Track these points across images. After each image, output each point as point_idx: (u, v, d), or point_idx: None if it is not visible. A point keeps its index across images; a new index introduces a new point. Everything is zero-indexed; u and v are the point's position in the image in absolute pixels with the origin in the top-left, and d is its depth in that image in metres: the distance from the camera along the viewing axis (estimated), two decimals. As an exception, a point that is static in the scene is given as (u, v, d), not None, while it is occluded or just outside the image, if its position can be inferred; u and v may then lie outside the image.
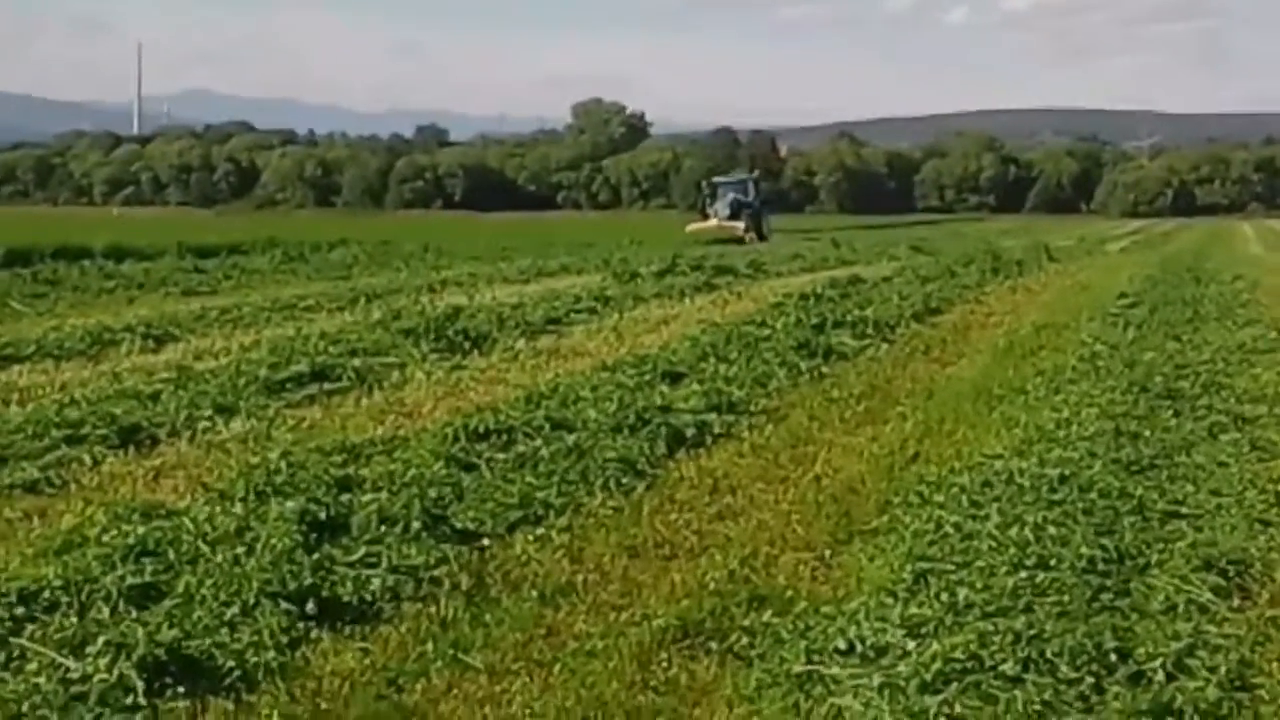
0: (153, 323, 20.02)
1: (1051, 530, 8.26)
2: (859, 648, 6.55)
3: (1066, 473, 9.74)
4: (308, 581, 7.31)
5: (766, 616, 7.19)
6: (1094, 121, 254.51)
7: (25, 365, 15.99)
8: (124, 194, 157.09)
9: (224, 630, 6.77)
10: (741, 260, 38.03)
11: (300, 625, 6.95)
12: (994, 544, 8.03)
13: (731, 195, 72.91)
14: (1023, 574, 7.42)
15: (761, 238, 66.57)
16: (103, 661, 6.20)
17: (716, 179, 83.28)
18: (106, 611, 6.96)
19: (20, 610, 6.91)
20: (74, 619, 6.84)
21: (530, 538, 8.69)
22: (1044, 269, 37.32)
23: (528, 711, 6.18)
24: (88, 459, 10.86)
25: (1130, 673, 6.24)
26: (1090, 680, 6.14)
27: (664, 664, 6.67)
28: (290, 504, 8.61)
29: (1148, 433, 11.47)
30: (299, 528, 8.17)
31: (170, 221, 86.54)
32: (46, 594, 7.09)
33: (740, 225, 67.98)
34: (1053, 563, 7.65)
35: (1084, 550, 7.83)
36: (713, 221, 69.68)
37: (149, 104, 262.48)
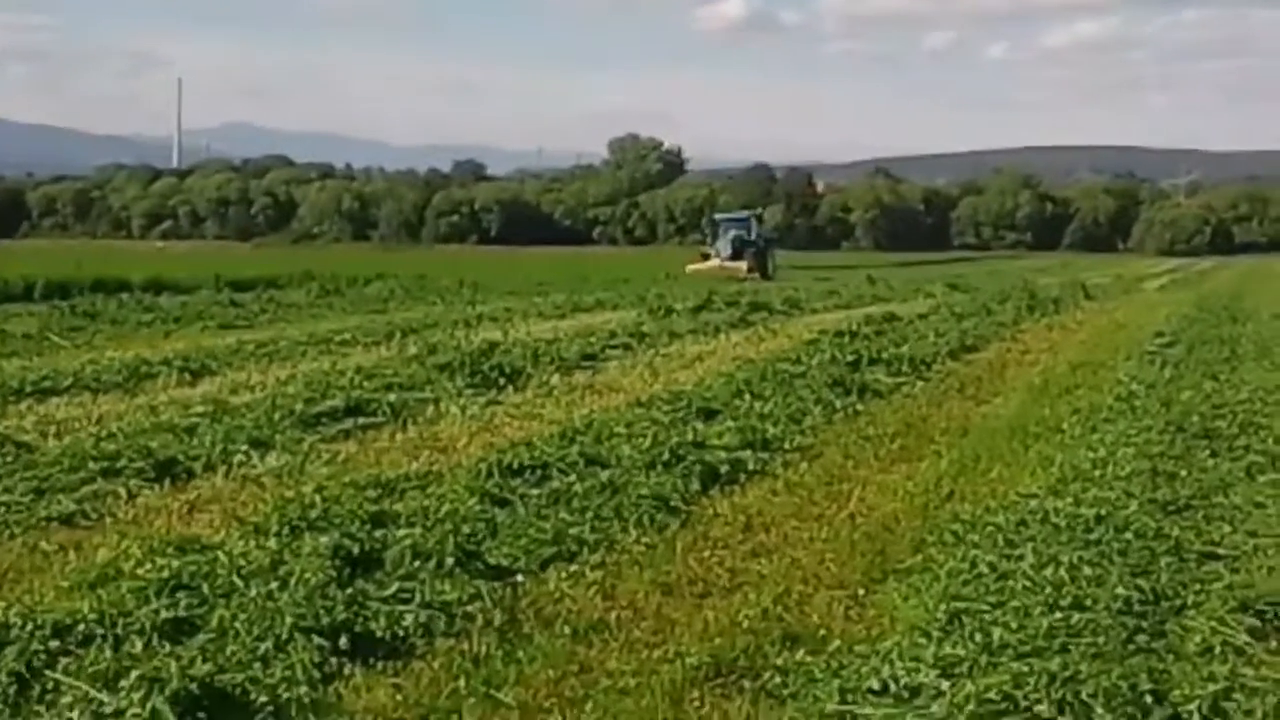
0: (189, 356, 20.09)
1: (1087, 571, 8.21)
2: (893, 688, 6.53)
3: (1102, 513, 9.69)
4: (341, 616, 7.32)
5: (800, 655, 7.17)
6: (1132, 159, 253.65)
7: (63, 398, 16.07)
8: (162, 227, 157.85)
9: (257, 665, 6.77)
10: (777, 297, 38.00)
11: (333, 660, 6.95)
12: (1029, 584, 7.99)
13: (733, 233, 70.25)
14: (1058, 615, 7.37)
15: (766, 276, 63.39)
16: (136, 695, 6.20)
17: (718, 215, 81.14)
18: (140, 645, 6.97)
19: (55, 643, 6.92)
20: (108, 652, 6.86)
21: (563, 574, 8.68)
22: (1080, 307, 37.17)
23: (560, 749, 6.17)
24: (123, 492, 10.90)
25: (1166, 715, 6.19)
26: (1126, 722, 6.10)
27: (697, 702, 6.66)
28: (324, 539, 8.63)
29: (1184, 473, 11.41)
30: (333, 562, 8.17)
31: (208, 255, 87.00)
32: (81, 627, 7.10)
33: (743, 266, 64.50)
34: (1088, 603, 7.60)
35: (1120, 591, 7.78)
36: (714, 261, 66.73)
37: (189, 137, 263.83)
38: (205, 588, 7.82)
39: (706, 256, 68.98)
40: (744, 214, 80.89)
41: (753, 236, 70.97)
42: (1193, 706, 6.25)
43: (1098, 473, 11.43)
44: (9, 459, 11.91)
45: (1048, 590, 7.81)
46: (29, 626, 7.02)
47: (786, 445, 13.40)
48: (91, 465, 11.53)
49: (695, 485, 11.23)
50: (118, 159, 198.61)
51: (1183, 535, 9.26)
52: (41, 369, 18.37)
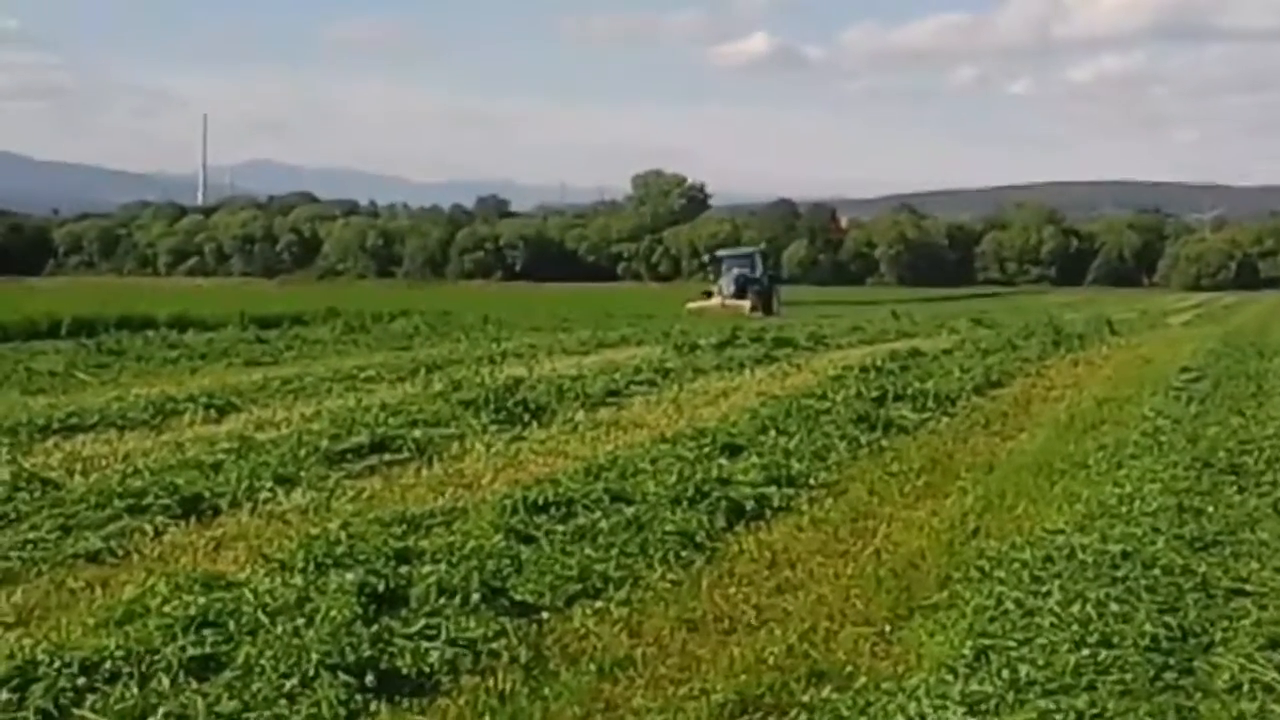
0: (215, 393, 20.13)
1: (1114, 607, 8.18)
2: (919, 725, 6.51)
3: (1129, 549, 9.66)
4: (367, 653, 7.33)
5: (826, 692, 7.16)
6: (1156, 194, 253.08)
7: (89, 435, 16.11)
8: (188, 264, 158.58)
9: (283, 702, 6.79)
10: (802, 333, 37.99)
11: (359, 697, 6.95)
12: (1056, 621, 7.97)
13: (736, 271, 68.88)
14: (1085, 651, 7.35)
15: (770, 314, 61.09)
16: (163, 732, 6.22)
17: (720, 252, 79.99)
18: (167, 682, 6.99)
19: (82, 680, 6.95)
20: (135, 690, 6.88)
21: (589, 611, 8.68)
22: (1105, 342, 37.06)
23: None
24: (150, 529, 10.92)
25: (1195, 753, 6.17)
26: (1154, 760, 6.08)
27: (723, 740, 6.65)
28: (350, 575, 8.64)
29: (1211, 509, 11.36)
30: (358, 599, 8.18)
31: (233, 292, 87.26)
32: (108, 664, 7.13)
33: (745, 304, 62.82)
34: (1115, 640, 7.57)
35: (1147, 628, 7.76)
36: (715, 300, 64.97)
37: (212, 174, 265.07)
38: (231, 625, 7.83)
39: (709, 294, 67.48)
40: (748, 250, 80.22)
41: (757, 274, 69.61)
42: (1221, 744, 6.23)
43: (1124, 509, 11.39)
44: (36, 496, 11.94)
45: (1075, 627, 7.79)
46: (56, 663, 7.05)
47: (812, 481, 13.39)
48: (118, 502, 11.56)
49: (720, 521, 11.23)
50: (140, 196, 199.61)
51: (1210, 571, 9.22)
52: (68, 406, 18.42)
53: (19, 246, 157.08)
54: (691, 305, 64.18)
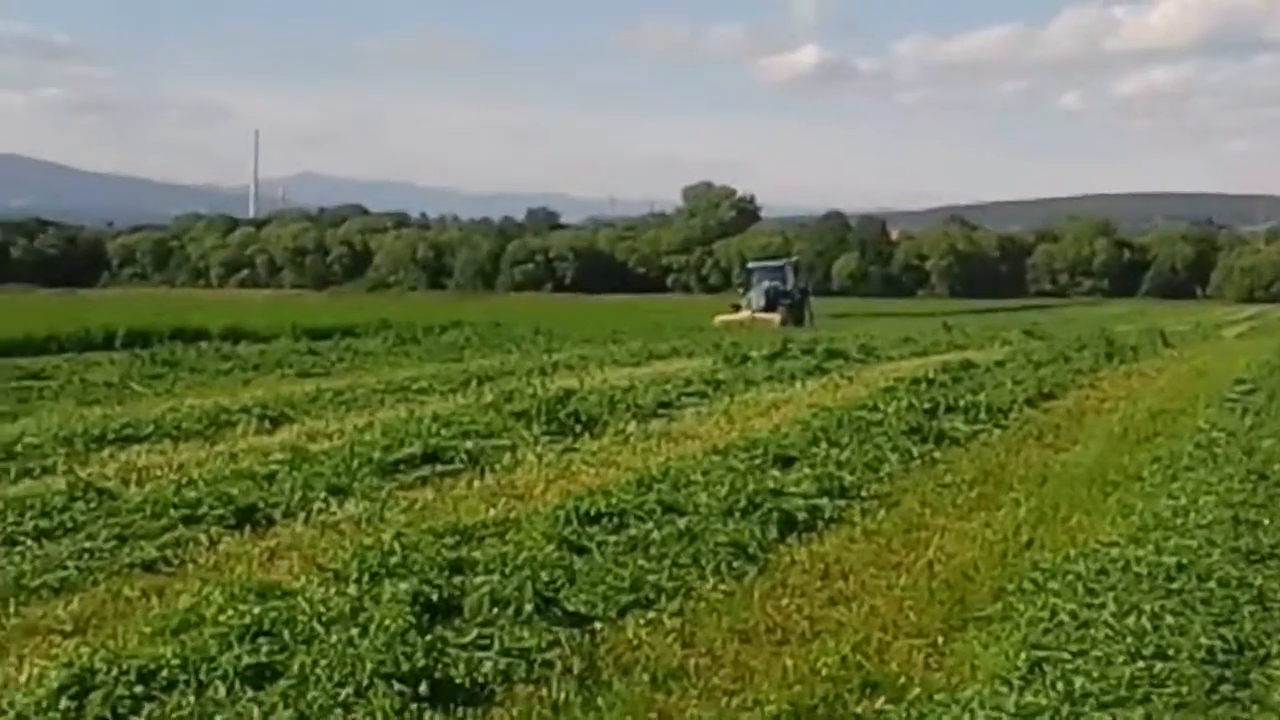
0: (268, 404, 20.25)
1: (1169, 619, 8.13)
2: (973, 737, 6.49)
3: (1184, 561, 9.60)
4: (421, 663, 7.34)
5: (879, 704, 7.15)
6: (1209, 205, 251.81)
7: (144, 445, 16.22)
8: (239, 276, 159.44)
9: (338, 711, 6.82)
10: (853, 344, 37.91)
11: (413, 707, 6.97)
12: (1110, 633, 7.93)
13: (767, 283, 67.78)
14: (1140, 664, 7.32)
15: (800, 326, 59.25)
16: (219, 741, 6.25)
17: (752, 264, 79.05)
18: (223, 691, 7.03)
19: (139, 689, 6.99)
20: (191, 698, 6.93)
21: (642, 621, 8.69)
22: (1159, 354, 36.87)
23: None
24: (204, 539, 11.00)
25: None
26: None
27: (776, 750, 6.64)
28: (403, 585, 8.66)
29: (1267, 521, 11.28)
30: (412, 609, 8.20)
31: (285, 303, 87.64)
32: (164, 673, 7.17)
33: (775, 318, 61.24)
34: (1171, 653, 7.53)
35: (1203, 640, 7.72)
36: (744, 313, 63.60)
37: (264, 187, 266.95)
38: (286, 634, 7.86)
39: (738, 307, 66.07)
40: (779, 261, 79.28)
41: (788, 286, 68.71)
42: (1279, 757, 6.19)
43: (1179, 521, 11.32)
44: (92, 506, 12.03)
45: (1129, 639, 7.75)
46: (113, 672, 7.09)
47: (864, 493, 13.36)
48: (173, 512, 11.65)
49: (773, 533, 11.21)
50: (193, 208, 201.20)
51: (1266, 584, 9.16)
52: (123, 417, 18.57)
53: (74, 258, 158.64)
54: (719, 319, 62.44)
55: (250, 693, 7.02)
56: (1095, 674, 7.18)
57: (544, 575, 9.32)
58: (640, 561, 10.01)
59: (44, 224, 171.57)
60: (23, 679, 7.25)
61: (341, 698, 6.94)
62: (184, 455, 15.46)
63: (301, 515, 11.99)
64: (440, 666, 7.43)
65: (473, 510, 12.25)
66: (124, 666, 7.17)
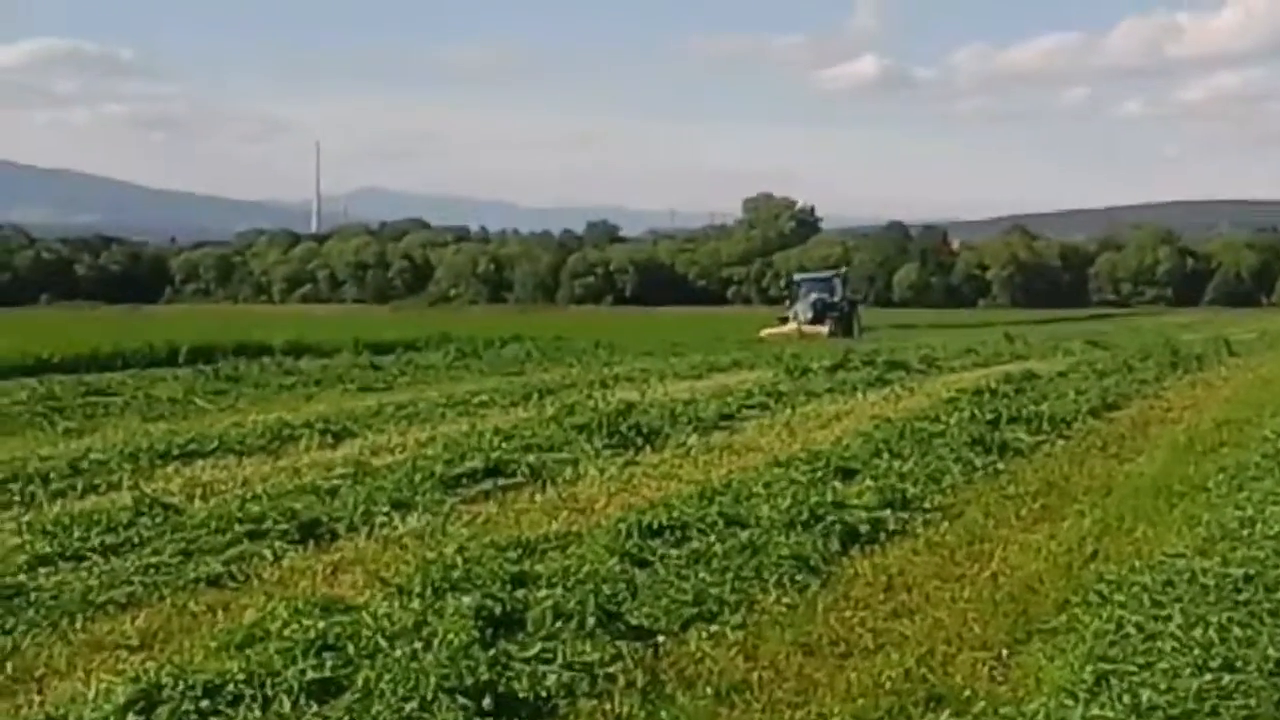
0: (331, 418, 20.35)
1: (1237, 631, 8.06)
2: (1040, 750, 6.45)
3: (1251, 572, 9.52)
4: (484, 677, 7.35)
5: (944, 717, 7.12)
6: (1274, 213, 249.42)
7: (208, 460, 16.34)
8: (301, 291, 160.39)
9: (403, 725, 6.84)
10: (914, 355, 37.79)
11: (477, 720, 6.99)
12: (1177, 645, 7.86)
13: (814, 295, 67.18)
14: (1208, 676, 7.25)
15: (848, 337, 59.01)
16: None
17: (798, 275, 78.59)
18: (288, 705, 7.06)
19: (205, 703, 7.03)
20: (257, 712, 6.97)
21: (704, 634, 8.67)
22: (1224, 363, 36.52)
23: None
24: (269, 554, 11.06)
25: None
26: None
27: (841, 764, 6.62)
28: (467, 599, 8.68)
29: (1335, 531, 11.18)
30: (475, 623, 8.23)
31: (347, 318, 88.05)
32: (230, 687, 7.20)
33: (824, 330, 61.02)
34: (1238, 665, 7.47)
35: (1271, 652, 7.64)
36: (791, 326, 62.95)
37: (325, 202, 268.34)
38: (350, 648, 7.89)
39: (784, 320, 65.45)
40: (827, 273, 78.58)
41: (836, 298, 68.16)
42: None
43: (1246, 532, 11.22)
44: (157, 521, 12.13)
45: (1197, 651, 7.69)
46: (179, 687, 7.13)
47: (926, 504, 13.31)
48: (237, 527, 11.73)
49: (835, 545, 11.17)
50: (255, 224, 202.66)
51: (1335, 595, 9.08)
52: (187, 432, 18.72)
53: (138, 274, 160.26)
54: (765, 332, 61.73)
55: (315, 707, 7.06)
56: (1162, 687, 7.12)
57: (606, 589, 9.32)
58: (702, 574, 10.01)
59: (108, 240, 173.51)
60: (90, 694, 7.28)
61: (406, 712, 6.96)
62: (248, 470, 15.56)
63: (364, 530, 12.04)
64: (504, 680, 7.44)
65: (535, 524, 12.27)
66: (190, 681, 7.21)
